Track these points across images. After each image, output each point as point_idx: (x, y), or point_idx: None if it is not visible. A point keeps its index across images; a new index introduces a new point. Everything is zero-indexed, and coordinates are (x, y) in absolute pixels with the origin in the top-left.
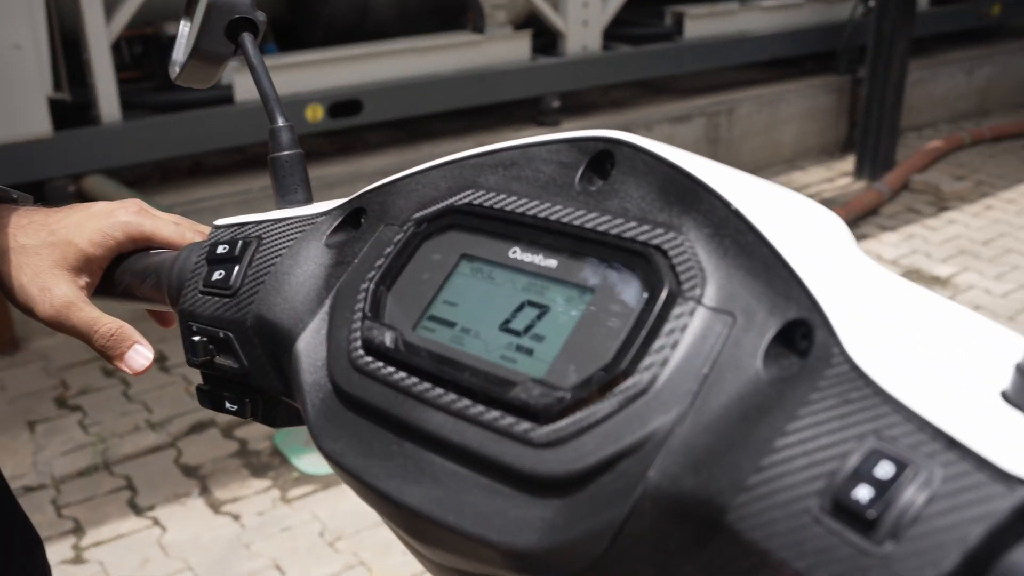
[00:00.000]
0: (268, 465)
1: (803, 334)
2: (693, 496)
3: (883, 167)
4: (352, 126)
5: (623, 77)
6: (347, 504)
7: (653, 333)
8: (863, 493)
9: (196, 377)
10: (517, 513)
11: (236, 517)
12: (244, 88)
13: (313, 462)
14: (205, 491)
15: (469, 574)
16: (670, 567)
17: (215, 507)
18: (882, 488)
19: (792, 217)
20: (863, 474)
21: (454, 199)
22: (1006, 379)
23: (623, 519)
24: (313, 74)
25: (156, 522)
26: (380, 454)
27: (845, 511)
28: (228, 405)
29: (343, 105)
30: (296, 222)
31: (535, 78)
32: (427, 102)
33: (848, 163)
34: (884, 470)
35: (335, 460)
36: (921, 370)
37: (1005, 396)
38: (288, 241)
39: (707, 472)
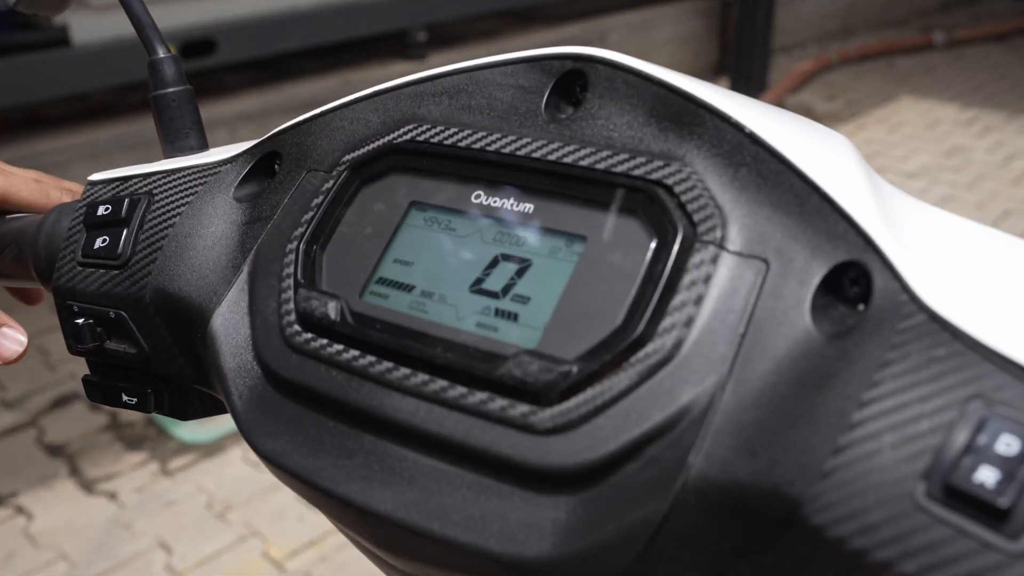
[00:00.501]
0: (143, 437)
1: (854, 279)
2: (754, 486)
3: (757, 89)
4: (206, 68)
5: (490, 7)
6: (233, 471)
7: (670, 288)
8: (987, 475)
9: (55, 346)
10: (520, 516)
11: (112, 496)
12: (84, 29)
13: (193, 430)
14: (75, 471)
15: None
16: (724, 572)
17: (88, 487)
18: (1010, 468)
19: (812, 141)
20: (980, 450)
21: (392, 136)
22: None
23: (661, 517)
24: (160, 11)
25: (20, 510)
26: (334, 451)
27: (964, 498)
28: (125, 398)
29: (195, 45)
30: (194, 173)
31: (399, 10)
32: (287, 39)
33: (722, 86)
34: (1007, 445)
35: (275, 461)
36: (1009, 314)
37: None
38: (187, 196)
39: (767, 455)
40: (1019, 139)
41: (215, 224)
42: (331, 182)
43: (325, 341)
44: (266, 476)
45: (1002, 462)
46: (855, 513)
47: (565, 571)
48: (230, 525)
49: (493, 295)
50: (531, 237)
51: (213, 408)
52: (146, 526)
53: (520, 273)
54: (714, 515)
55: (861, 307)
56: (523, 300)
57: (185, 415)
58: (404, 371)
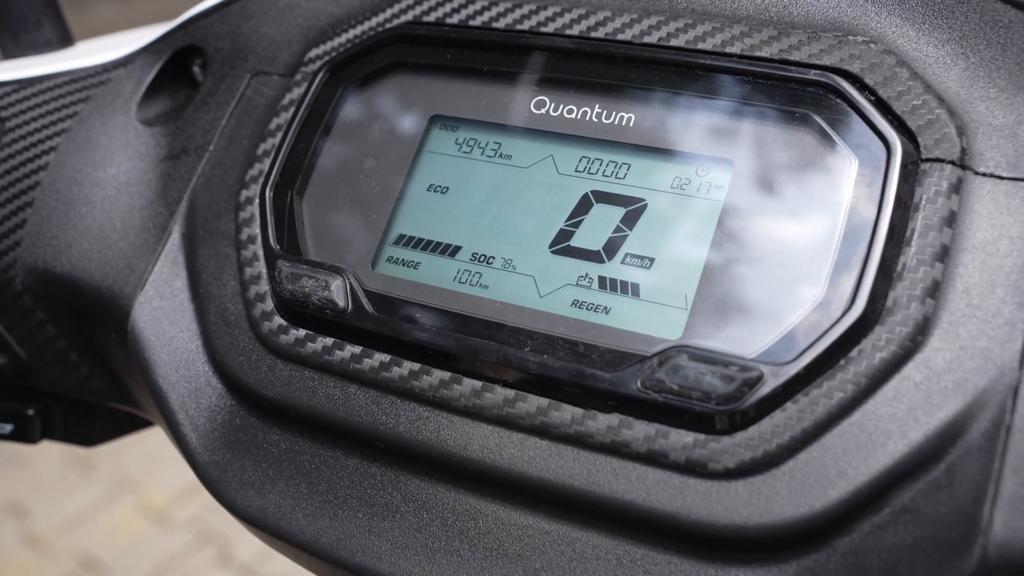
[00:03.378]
0: None
1: None
2: None
3: None
4: None
5: None
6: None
7: (894, 236)
8: None
9: None
10: None
11: None
12: None
13: None
14: None
15: None
16: None
17: None
18: None
19: None
20: None
21: (386, 14)
22: None
23: None
24: None
25: None
26: (362, 507)
27: None
28: None
29: None
30: (66, 84)
31: None
32: None
33: None
34: None
35: (269, 526)
36: None
37: None
38: (61, 120)
39: None
40: None
41: (115, 163)
42: (298, 91)
43: (330, 341)
44: None
45: None
46: None
47: None
48: (95, 480)
49: (593, 257)
50: (637, 163)
51: (133, 426)
52: None
53: (630, 221)
54: None
55: None
56: (643, 263)
57: (91, 440)
58: (472, 384)
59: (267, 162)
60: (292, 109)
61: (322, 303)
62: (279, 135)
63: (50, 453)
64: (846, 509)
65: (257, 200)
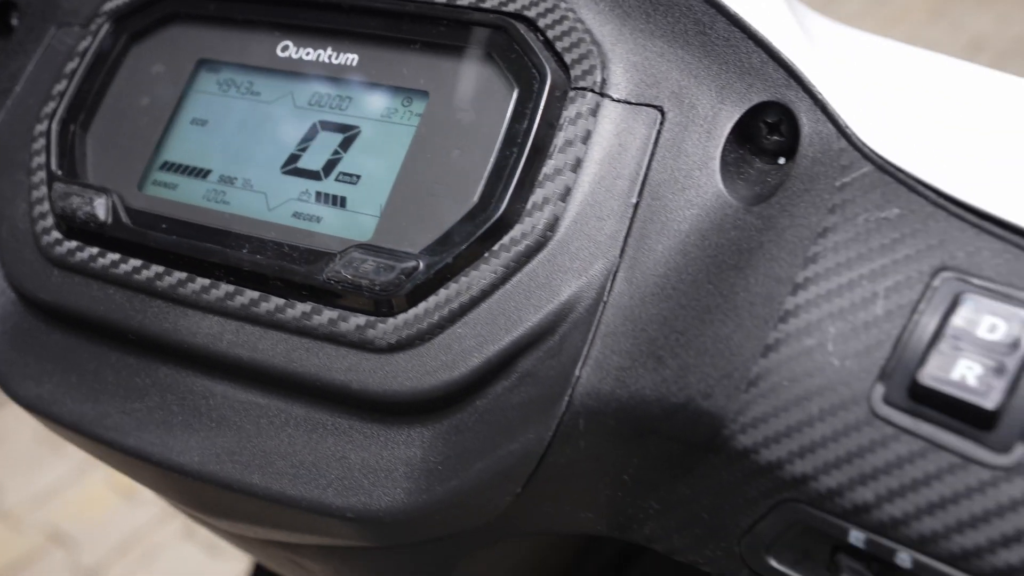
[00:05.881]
0: None
1: (774, 125)
2: (660, 401)
3: None
4: None
5: None
6: None
7: (539, 151)
8: (967, 370)
9: None
10: (364, 457)
11: None
12: None
13: None
14: None
15: (293, 545)
16: (617, 504)
17: None
18: (998, 359)
19: None
20: (956, 336)
21: None
22: None
23: (544, 447)
24: None
25: None
26: (120, 392)
27: (937, 400)
28: None
29: None
30: None
31: None
32: None
33: None
34: (993, 328)
35: (44, 411)
36: (978, 155)
37: None
38: None
39: (676, 361)
40: None
41: None
42: (89, 40)
43: (95, 250)
44: None
45: (986, 350)
46: (793, 429)
47: (426, 524)
48: (66, 456)
49: (313, 176)
50: (357, 97)
51: None
52: None
53: (345, 145)
54: (611, 441)
55: (783, 161)
56: (352, 180)
57: None
58: (203, 282)
59: (58, 101)
60: (82, 56)
61: (86, 217)
62: (70, 79)
63: (22, 431)
64: (481, 375)
65: (45, 134)
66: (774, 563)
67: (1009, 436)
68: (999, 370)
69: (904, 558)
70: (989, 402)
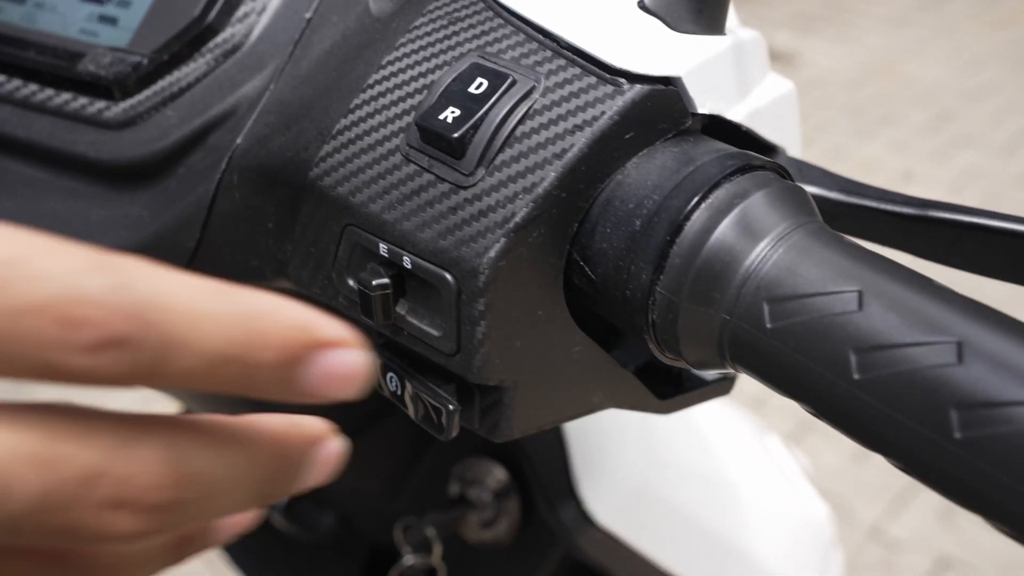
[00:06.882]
0: None
1: None
2: (280, 155)
3: None
4: None
5: None
6: None
7: None
8: (450, 113)
9: None
10: (100, 214)
11: None
12: None
13: None
14: None
15: None
16: (270, 250)
17: None
18: (471, 107)
19: None
20: (453, 95)
21: None
22: None
23: (209, 199)
24: None
25: None
26: None
27: (432, 138)
28: None
29: None
30: None
31: None
32: None
33: None
34: (477, 87)
35: None
36: None
37: (642, 4)
38: None
39: (297, 126)
40: None
41: None
42: None
43: None
44: None
45: (467, 101)
46: (352, 170)
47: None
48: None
49: (98, 1)
50: None
51: None
52: None
53: None
54: (256, 192)
55: None
56: (126, 5)
57: None
58: (1, 78)
59: None
60: None
61: None
62: None
63: None
64: (181, 146)
65: None
66: (351, 282)
67: (472, 160)
68: (470, 114)
69: (407, 260)
70: (455, 133)
